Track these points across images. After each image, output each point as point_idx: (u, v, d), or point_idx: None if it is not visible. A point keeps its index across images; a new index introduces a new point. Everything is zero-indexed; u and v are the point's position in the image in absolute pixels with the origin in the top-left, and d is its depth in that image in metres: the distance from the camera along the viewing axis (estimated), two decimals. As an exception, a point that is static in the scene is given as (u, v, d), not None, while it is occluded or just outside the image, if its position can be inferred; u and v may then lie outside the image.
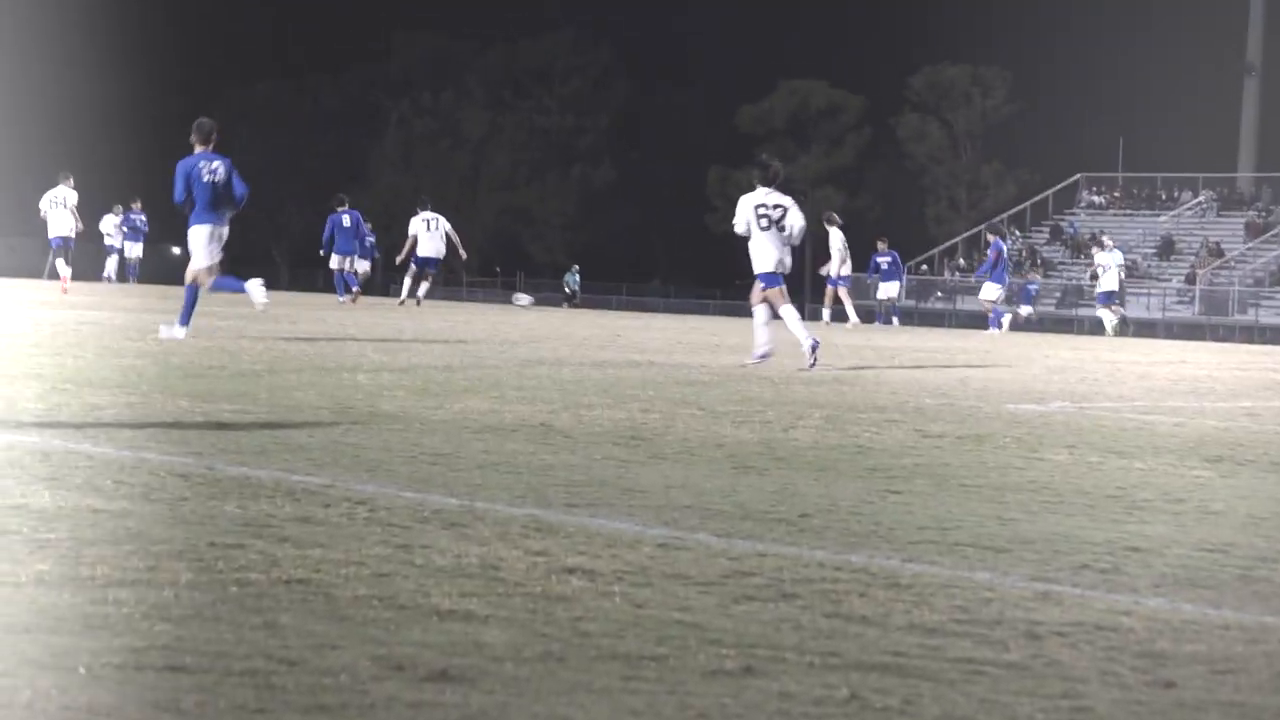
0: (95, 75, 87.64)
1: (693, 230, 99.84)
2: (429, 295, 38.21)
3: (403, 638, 4.48)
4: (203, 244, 18.72)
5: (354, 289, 37.69)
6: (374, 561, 5.46)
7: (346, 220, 37.79)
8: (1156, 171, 78.71)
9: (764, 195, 18.48)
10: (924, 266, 74.78)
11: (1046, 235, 76.05)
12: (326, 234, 37.83)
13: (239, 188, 18.57)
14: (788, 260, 18.57)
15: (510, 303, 31.99)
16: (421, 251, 36.67)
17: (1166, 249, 70.33)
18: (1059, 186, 79.78)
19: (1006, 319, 39.67)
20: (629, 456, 8.86)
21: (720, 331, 28.85)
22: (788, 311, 18.37)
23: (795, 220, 18.37)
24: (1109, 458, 9.79)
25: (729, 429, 10.52)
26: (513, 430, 9.88)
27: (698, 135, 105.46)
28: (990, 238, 40.45)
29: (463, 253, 38.17)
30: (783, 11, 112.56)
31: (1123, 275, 46.00)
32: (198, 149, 18.81)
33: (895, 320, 43.42)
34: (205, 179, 18.54)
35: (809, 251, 59.48)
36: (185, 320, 18.12)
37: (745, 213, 18.51)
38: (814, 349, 17.52)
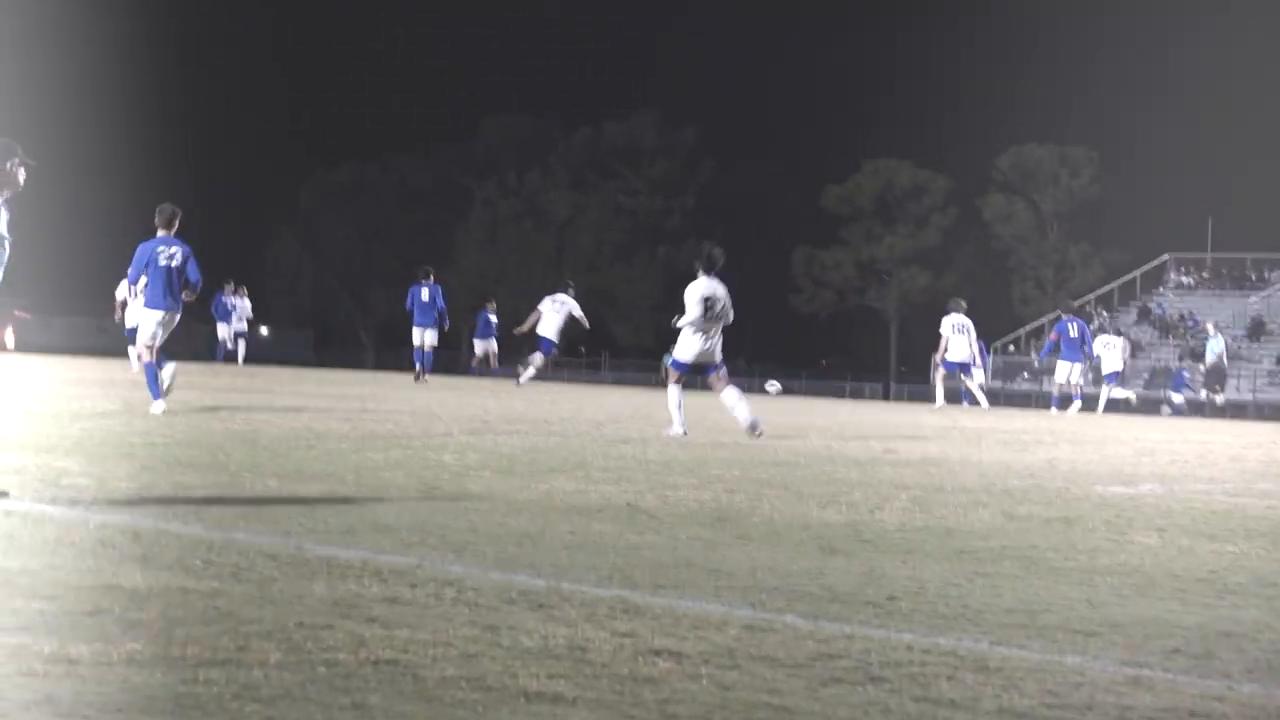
0: (181, 165, 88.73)
1: (779, 310, 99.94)
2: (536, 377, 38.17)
3: (491, 719, 4.48)
4: (149, 327, 18.88)
5: (418, 368, 37.93)
6: (461, 642, 5.47)
7: (425, 293, 38.03)
8: (1245, 251, 78.20)
9: (710, 285, 19.20)
10: (1011, 347, 74.43)
11: (1135, 316, 75.59)
12: (408, 304, 38.26)
13: (193, 274, 18.73)
14: (718, 352, 19.37)
15: (763, 390, 32.28)
16: (540, 330, 37.04)
17: (1257, 330, 69.76)
18: (1147, 267, 79.36)
19: (1076, 404, 39.19)
20: (715, 537, 8.84)
21: (807, 411, 28.79)
22: (729, 394, 18.91)
23: (730, 315, 19.47)
24: (1200, 541, 9.69)
25: (815, 510, 10.49)
26: (598, 510, 9.88)
27: (783, 215, 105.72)
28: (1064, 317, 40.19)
29: (585, 323, 38.62)
30: (867, 91, 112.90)
31: (1223, 359, 46.16)
32: (160, 232, 18.98)
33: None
34: (162, 263, 18.71)
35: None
36: (156, 395, 18.35)
37: (695, 302, 19.12)
38: (753, 427, 18.25)
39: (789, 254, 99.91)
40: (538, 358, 36.72)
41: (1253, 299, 73.84)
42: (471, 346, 48.27)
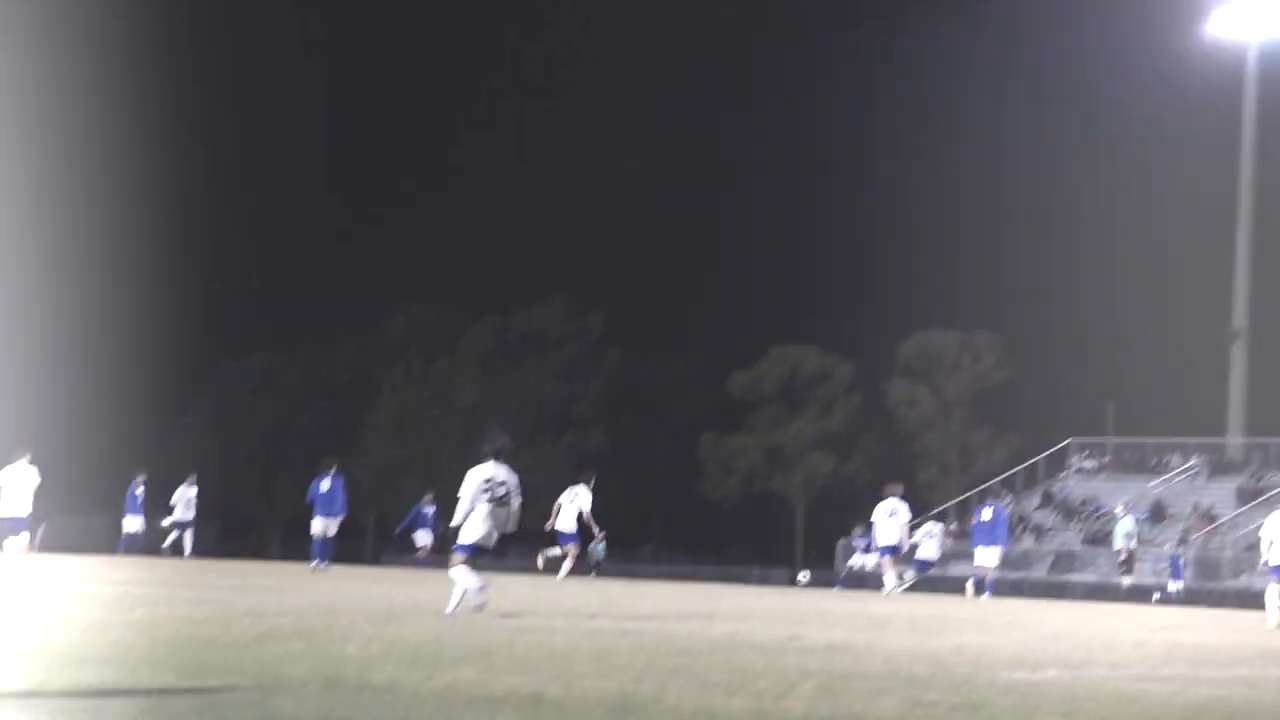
0: (84, 357, 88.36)
1: (685, 497, 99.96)
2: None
3: None
4: None
5: (315, 559, 37.95)
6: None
7: (325, 484, 38.27)
8: (1146, 436, 78.98)
9: (493, 470, 19.78)
10: (915, 532, 74.58)
11: (1038, 500, 76.02)
12: (309, 496, 38.32)
13: None
14: (495, 536, 19.87)
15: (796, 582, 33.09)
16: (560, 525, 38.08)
17: (1158, 514, 70.26)
18: (1049, 451, 79.96)
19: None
20: (620, 728, 8.77)
21: (713, 598, 28.70)
22: (459, 574, 19.59)
23: (516, 502, 19.86)
24: (1105, 727, 9.69)
25: (721, 698, 10.42)
26: (503, 701, 9.78)
27: (690, 402, 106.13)
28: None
29: (595, 530, 39.56)
30: (773, 279, 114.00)
31: (1132, 540, 46.60)
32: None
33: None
34: None
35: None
36: None
37: (472, 486, 19.68)
38: (480, 607, 19.10)
39: (696, 440, 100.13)
40: (555, 550, 37.81)
41: (1154, 483, 74.46)
42: (412, 539, 49.16)
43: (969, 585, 39.75)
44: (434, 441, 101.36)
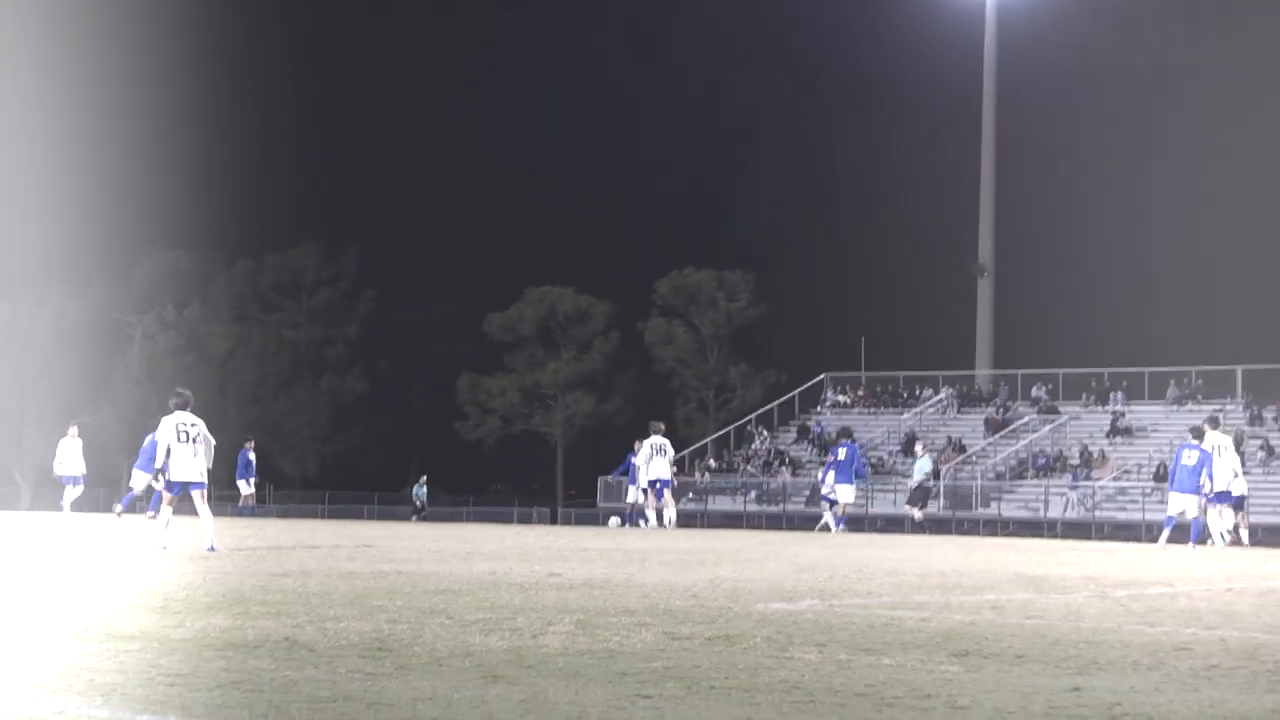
0: None
1: (445, 437, 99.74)
2: None
3: None
4: None
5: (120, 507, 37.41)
6: (104, 790, 5.24)
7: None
8: (898, 370, 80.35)
9: (181, 417, 22.58)
10: (674, 468, 75.13)
11: (794, 434, 77.00)
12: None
13: None
14: (197, 473, 22.31)
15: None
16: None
17: (910, 445, 71.56)
18: (804, 386, 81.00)
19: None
20: (375, 669, 8.68)
21: (473, 539, 28.63)
22: (204, 511, 22.33)
23: (210, 442, 22.74)
24: (858, 655, 9.80)
25: (478, 637, 10.38)
26: (256, 647, 9.64)
27: (447, 344, 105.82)
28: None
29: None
30: (527, 220, 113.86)
31: (929, 479, 47.94)
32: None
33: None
34: None
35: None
36: None
37: (169, 432, 22.42)
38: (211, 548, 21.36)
39: (454, 381, 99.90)
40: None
41: (905, 416, 75.78)
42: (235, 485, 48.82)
43: (827, 518, 40.84)
44: (190, 387, 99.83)
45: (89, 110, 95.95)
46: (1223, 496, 32.39)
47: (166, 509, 22.66)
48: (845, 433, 43.13)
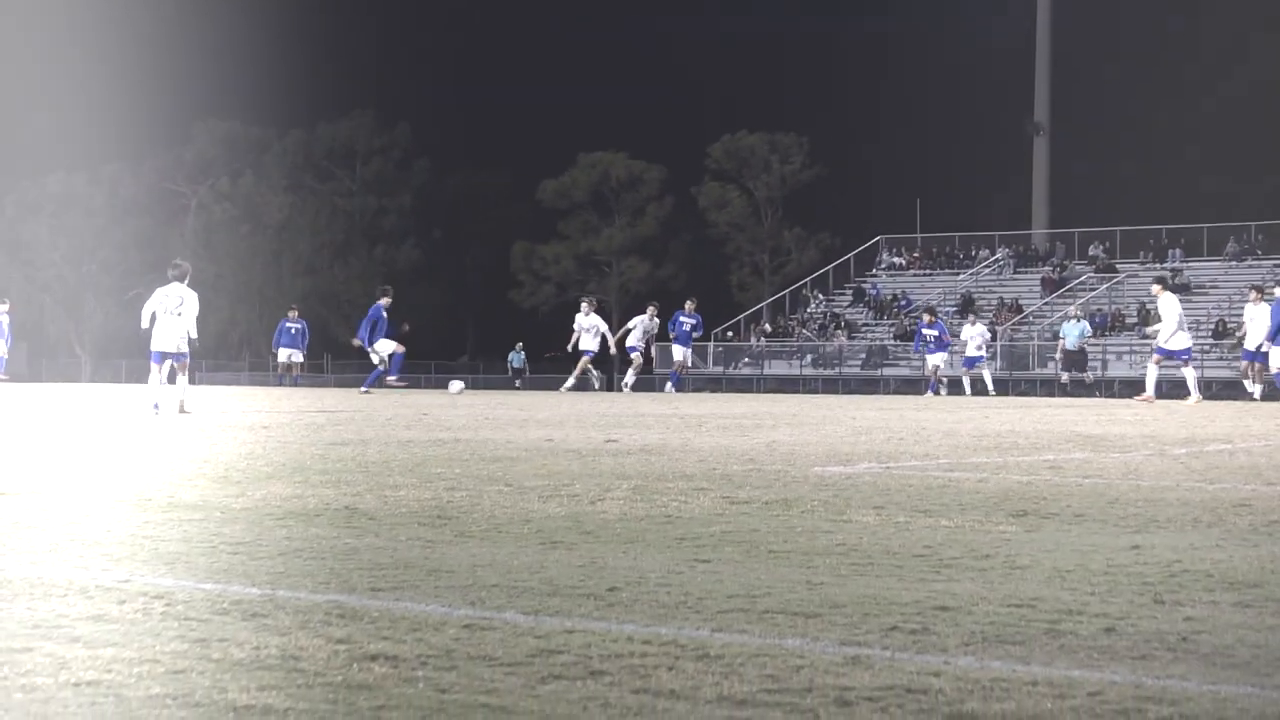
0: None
1: (499, 306, 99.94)
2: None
3: (197, 737, 4.34)
4: None
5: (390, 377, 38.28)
6: (169, 658, 5.29)
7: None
8: (953, 231, 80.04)
9: (172, 288, 24.07)
10: (730, 333, 75.21)
11: (850, 298, 76.91)
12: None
13: None
14: (181, 344, 24.17)
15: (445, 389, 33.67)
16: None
17: (966, 306, 71.40)
18: (859, 249, 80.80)
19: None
20: (435, 537, 8.73)
21: (528, 406, 28.74)
22: (182, 380, 24.30)
23: (192, 309, 24.13)
24: (916, 517, 9.81)
25: (536, 504, 10.43)
26: (316, 515, 9.71)
27: (500, 212, 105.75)
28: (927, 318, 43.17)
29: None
30: (577, 86, 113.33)
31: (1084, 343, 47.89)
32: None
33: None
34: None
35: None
36: None
37: (153, 302, 24.21)
38: (155, 409, 23.30)
39: (508, 250, 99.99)
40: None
41: (961, 277, 75.58)
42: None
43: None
44: (246, 257, 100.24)
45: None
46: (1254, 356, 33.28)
47: (155, 374, 24.46)
48: (931, 310, 44.41)
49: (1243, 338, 37.61)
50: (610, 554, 8.04)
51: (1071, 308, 51.76)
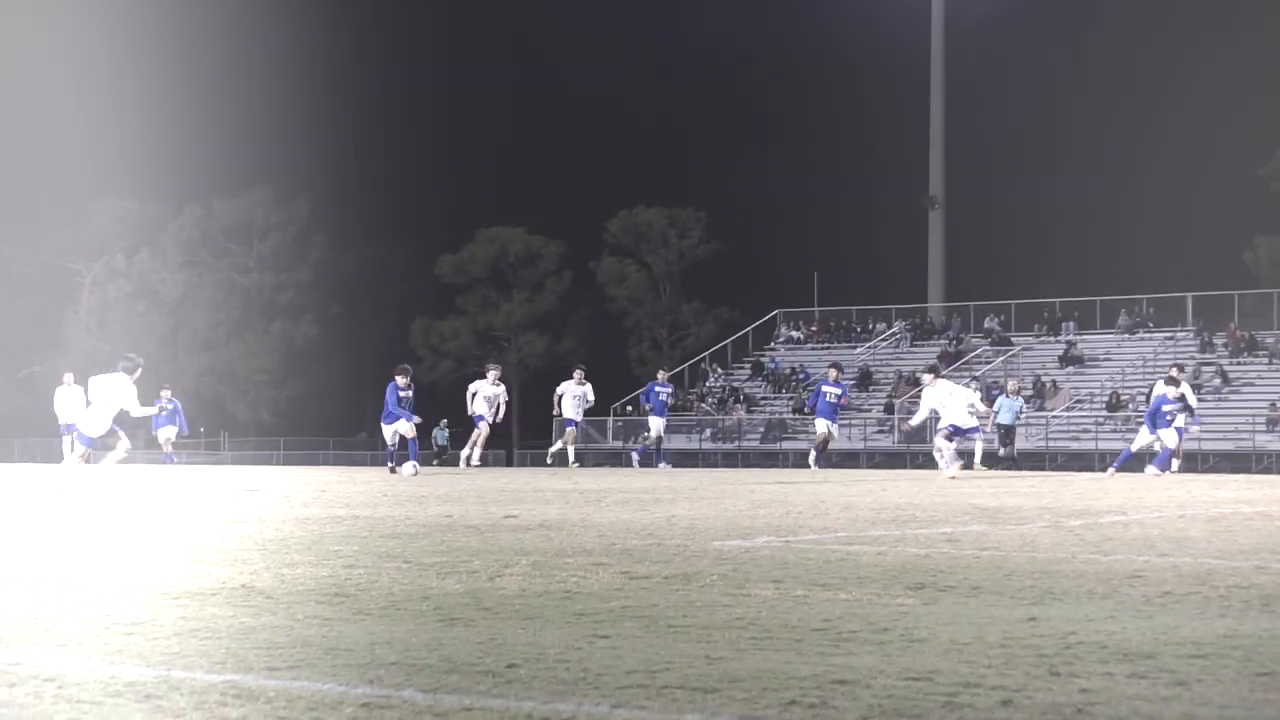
0: None
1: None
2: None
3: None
4: None
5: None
6: (62, 741, 5.24)
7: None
8: (851, 305, 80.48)
9: (105, 378, 24.63)
10: (629, 408, 75.22)
11: (749, 371, 77.14)
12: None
13: None
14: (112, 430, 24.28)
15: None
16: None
17: (865, 379, 71.77)
18: (757, 323, 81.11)
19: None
20: (332, 615, 8.68)
21: (428, 481, 28.62)
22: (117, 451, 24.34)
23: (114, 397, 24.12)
24: (814, 590, 9.84)
25: (434, 580, 10.39)
26: (212, 594, 9.63)
27: (399, 288, 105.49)
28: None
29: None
30: (477, 161, 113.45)
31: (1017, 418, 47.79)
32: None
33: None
34: None
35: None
36: None
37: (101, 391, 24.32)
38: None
39: (406, 326, 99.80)
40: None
41: (859, 350, 75.99)
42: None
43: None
44: (141, 334, 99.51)
45: (34, 57, 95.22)
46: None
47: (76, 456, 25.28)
48: (838, 367, 43.39)
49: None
50: (509, 630, 8.02)
51: (1011, 383, 51.96)
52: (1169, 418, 33.45)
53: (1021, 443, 60.24)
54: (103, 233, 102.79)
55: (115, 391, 24.22)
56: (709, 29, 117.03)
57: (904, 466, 51.54)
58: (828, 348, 77.40)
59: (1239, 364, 64.55)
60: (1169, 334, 69.06)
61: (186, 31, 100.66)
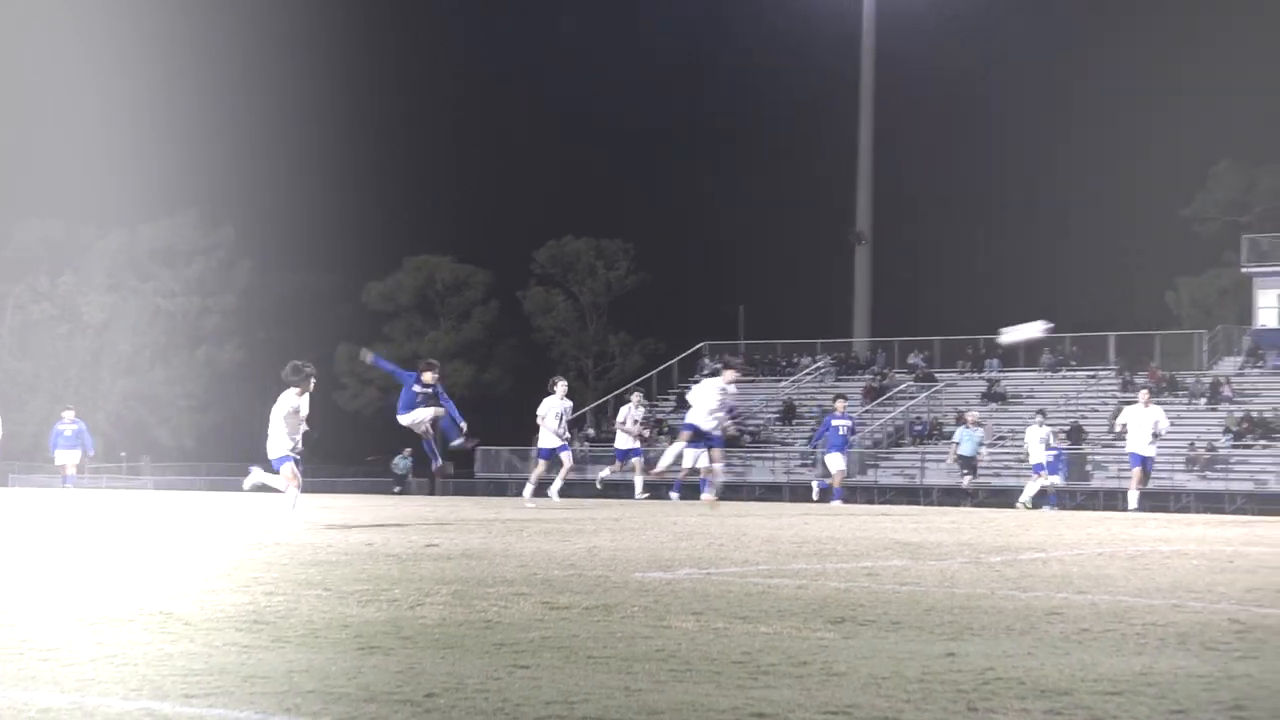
0: None
1: (323, 408, 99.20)
2: None
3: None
4: None
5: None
6: (-27, 767, 5.19)
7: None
8: (776, 339, 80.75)
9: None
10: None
11: (674, 403, 77.21)
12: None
13: None
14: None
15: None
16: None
17: (788, 413, 71.96)
18: (683, 355, 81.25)
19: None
20: (251, 642, 8.63)
21: (353, 508, 28.52)
22: None
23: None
24: (734, 623, 9.85)
25: (354, 609, 10.35)
26: (129, 620, 9.56)
27: (325, 314, 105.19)
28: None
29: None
30: (405, 189, 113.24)
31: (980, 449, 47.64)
32: None
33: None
34: None
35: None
36: None
37: None
38: None
39: (332, 352, 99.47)
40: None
41: (784, 384, 76.20)
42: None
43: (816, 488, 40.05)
44: (63, 357, 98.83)
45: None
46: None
47: None
48: (844, 396, 43.09)
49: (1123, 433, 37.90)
50: (428, 660, 8.00)
51: (971, 414, 52.20)
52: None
53: (942, 478, 60.64)
54: (26, 254, 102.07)
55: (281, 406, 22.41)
56: (638, 63, 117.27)
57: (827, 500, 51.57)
58: (753, 380, 77.61)
59: (1159, 404, 65.02)
60: (1091, 372, 69.58)
61: (113, 54, 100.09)
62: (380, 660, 7.96)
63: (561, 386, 34.29)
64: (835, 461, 39.05)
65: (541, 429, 34.50)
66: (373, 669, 7.63)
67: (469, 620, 9.81)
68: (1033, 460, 42.67)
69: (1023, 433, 61.99)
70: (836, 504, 37.22)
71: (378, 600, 10.90)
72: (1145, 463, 36.34)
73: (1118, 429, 38.55)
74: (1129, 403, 36.38)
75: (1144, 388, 39.67)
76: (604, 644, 8.74)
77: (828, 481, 40.53)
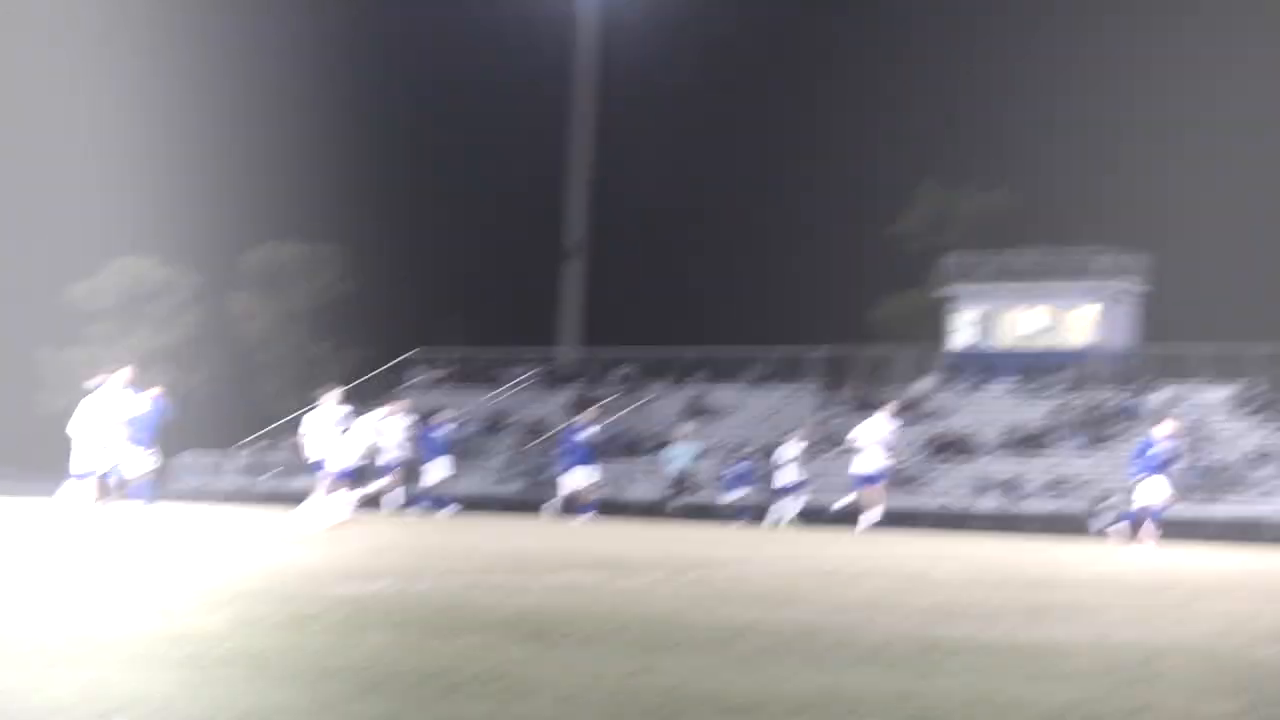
0: None
1: (23, 409, 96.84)
2: None
3: None
4: None
5: None
6: None
7: None
8: (490, 347, 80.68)
9: None
10: (264, 443, 74.27)
11: (385, 410, 76.66)
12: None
13: None
14: None
15: None
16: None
17: (495, 424, 71.95)
18: (393, 363, 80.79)
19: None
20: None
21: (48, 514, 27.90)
22: None
23: None
24: (430, 637, 9.83)
25: (43, 623, 10.13)
26: None
27: (25, 314, 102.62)
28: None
29: None
30: (112, 189, 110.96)
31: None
32: None
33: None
34: None
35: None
36: None
37: None
38: None
39: (33, 354, 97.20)
40: None
41: (493, 394, 76.15)
42: None
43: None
44: None
45: None
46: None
47: None
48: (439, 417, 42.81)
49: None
50: (115, 673, 7.85)
51: (688, 427, 52.54)
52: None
53: (645, 491, 61.09)
54: None
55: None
56: (352, 69, 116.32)
57: (531, 513, 51.70)
58: (464, 389, 77.45)
59: (863, 420, 66.25)
60: (792, 388, 70.67)
61: None
62: (65, 673, 7.79)
63: (335, 395, 32.88)
64: (578, 477, 38.84)
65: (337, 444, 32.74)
66: (57, 682, 7.48)
67: (159, 632, 9.65)
68: (784, 480, 42.96)
69: (728, 448, 62.82)
70: (586, 518, 37.30)
71: (68, 613, 10.69)
72: (873, 480, 37.08)
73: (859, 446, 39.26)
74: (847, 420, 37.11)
75: (880, 406, 40.23)
76: (297, 658, 8.67)
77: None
